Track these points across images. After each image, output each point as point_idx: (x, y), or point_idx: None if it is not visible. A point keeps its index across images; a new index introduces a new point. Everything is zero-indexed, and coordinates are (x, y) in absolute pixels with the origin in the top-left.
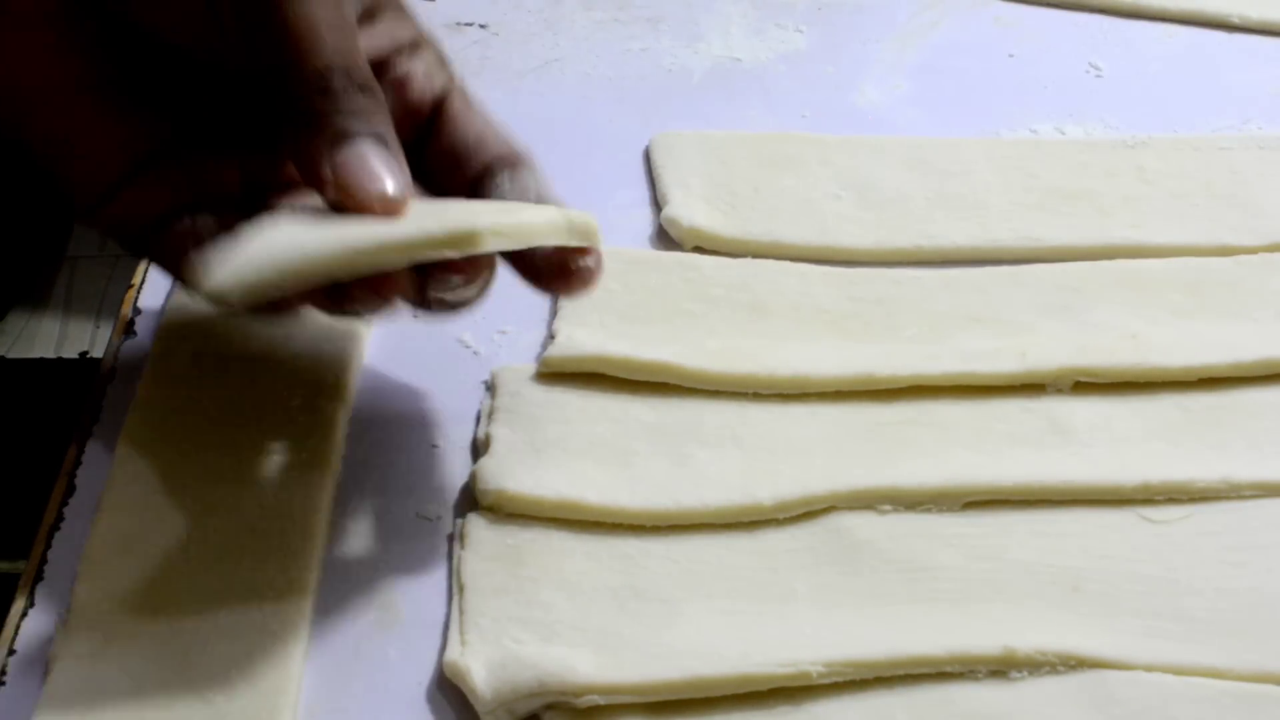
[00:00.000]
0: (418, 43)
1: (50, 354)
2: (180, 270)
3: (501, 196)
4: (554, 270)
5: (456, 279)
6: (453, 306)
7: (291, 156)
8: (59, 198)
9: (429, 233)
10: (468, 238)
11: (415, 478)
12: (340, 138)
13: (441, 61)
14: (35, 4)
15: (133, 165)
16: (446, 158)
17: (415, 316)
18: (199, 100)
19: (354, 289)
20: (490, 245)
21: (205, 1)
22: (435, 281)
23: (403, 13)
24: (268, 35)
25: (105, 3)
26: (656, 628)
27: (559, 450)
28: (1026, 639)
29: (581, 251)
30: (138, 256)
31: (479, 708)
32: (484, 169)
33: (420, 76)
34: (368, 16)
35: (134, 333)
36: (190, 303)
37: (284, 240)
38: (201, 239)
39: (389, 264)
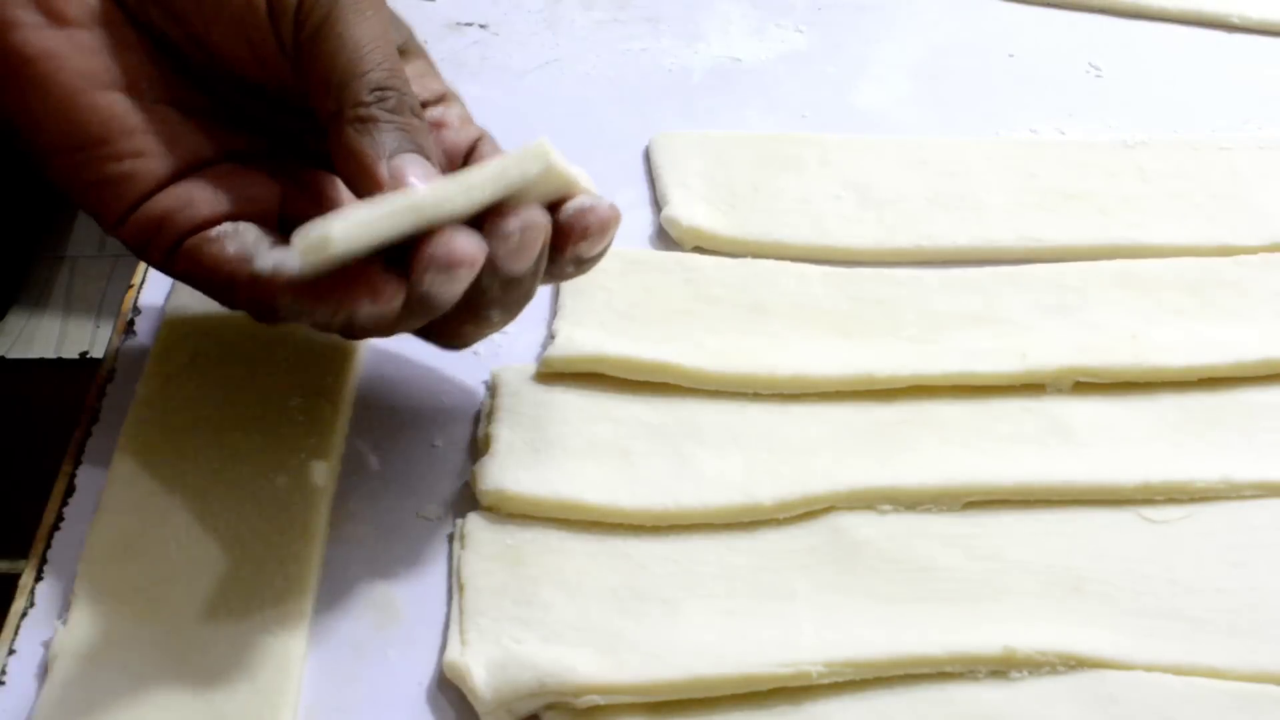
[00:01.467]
0: (447, 95)
1: (50, 354)
2: (214, 276)
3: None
4: (577, 219)
5: (512, 223)
6: (519, 277)
7: (344, 162)
8: (88, 203)
9: (504, 159)
10: (537, 148)
11: (415, 478)
12: (396, 145)
13: (469, 116)
14: (83, 6)
15: (176, 169)
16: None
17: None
18: (245, 120)
19: (425, 251)
20: (555, 155)
21: (264, 16)
22: (493, 233)
23: (431, 66)
24: (328, 49)
25: (156, 16)
26: (656, 628)
27: (559, 450)
28: (1026, 639)
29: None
30: (159, 268)
31: (479, 708)
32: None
33: (455, 122)
34: (401, 55)
35: (134, 333)
36: (190, 303)
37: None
38: (245, 243)
39: (473, 201)
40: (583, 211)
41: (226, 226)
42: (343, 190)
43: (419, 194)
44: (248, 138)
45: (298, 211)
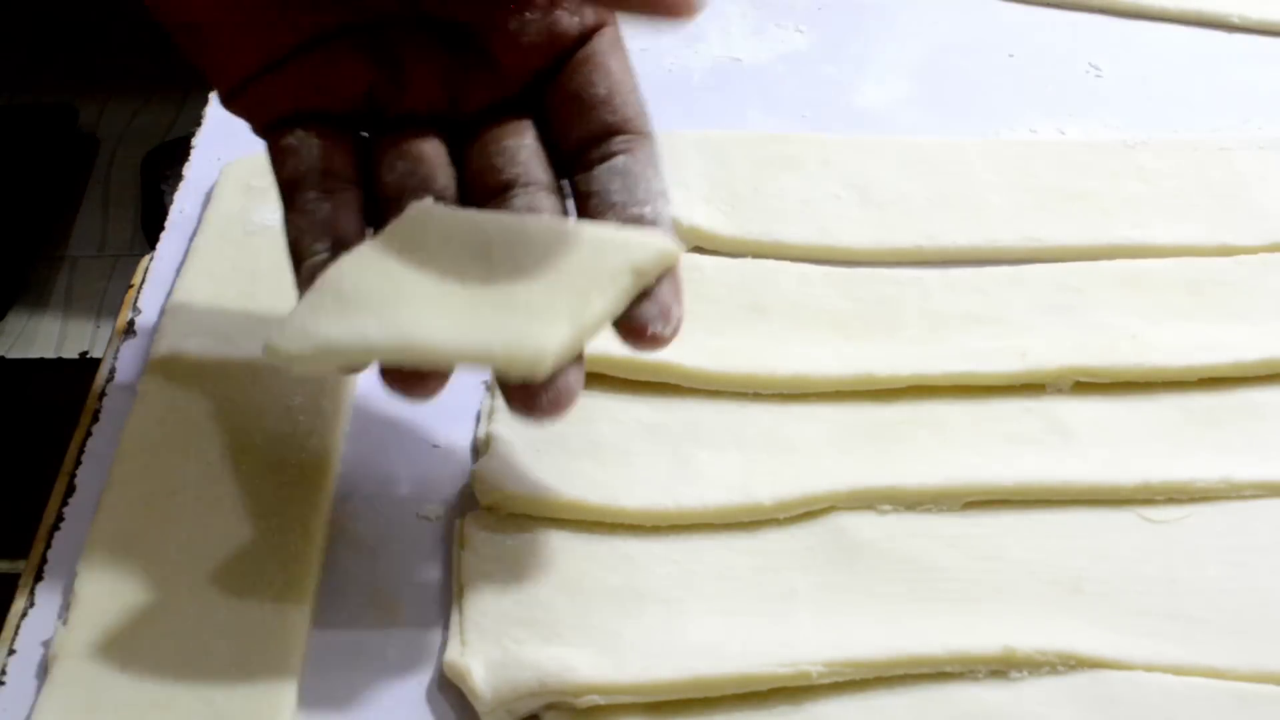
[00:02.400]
0: None
1: (50, 354)
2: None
3: (602, 182)
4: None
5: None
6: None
7: None
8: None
9: (489, 349)
10: (528, 364)
11: (415, 478)
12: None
13: None
14: None
15: (263, 62)
16: (566, 106)
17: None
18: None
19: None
20: (548, 371)
21: None
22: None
23: None
24: None
25: None
26: (656, 628)
27: (559, 450)
28: (1026, 639)
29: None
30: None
31: (479, 708)
32: (592, 136)
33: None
34: None
35: (134, 333)
36: (192, 301)
37: (354, 316)
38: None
39: (440, 363)
40: (640, 337)
41: (292, 140)
42: (435, 78)
43: (418, 335)
44: (342, 26)
45: (388, 99)
